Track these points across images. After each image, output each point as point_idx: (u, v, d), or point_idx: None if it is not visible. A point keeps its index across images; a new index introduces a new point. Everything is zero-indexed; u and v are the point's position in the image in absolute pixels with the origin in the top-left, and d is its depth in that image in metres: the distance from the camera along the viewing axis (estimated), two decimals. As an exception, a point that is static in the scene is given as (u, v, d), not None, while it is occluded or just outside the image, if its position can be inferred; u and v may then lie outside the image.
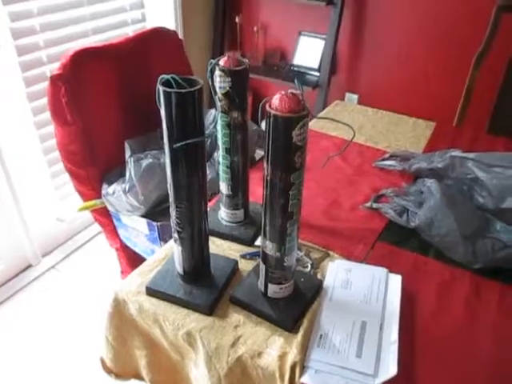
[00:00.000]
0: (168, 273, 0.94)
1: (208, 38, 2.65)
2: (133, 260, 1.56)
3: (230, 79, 0.91)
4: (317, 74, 2.46)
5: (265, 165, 0.76)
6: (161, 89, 0.73)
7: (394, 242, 1.08)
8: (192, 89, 0.73)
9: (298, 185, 0.76)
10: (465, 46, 2.09)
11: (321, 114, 1.83)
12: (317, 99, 2.42)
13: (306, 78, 2.48)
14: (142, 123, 1.43)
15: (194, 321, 0.86)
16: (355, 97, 2.53)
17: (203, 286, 0.91)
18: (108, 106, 1.39)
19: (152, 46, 1.49)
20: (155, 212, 1.37)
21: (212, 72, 0.91)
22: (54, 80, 1.24)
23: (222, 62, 0.91)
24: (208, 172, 1.39)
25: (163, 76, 0.74)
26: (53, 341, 1.65)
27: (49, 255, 2.03)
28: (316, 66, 2.47)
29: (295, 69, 2.54)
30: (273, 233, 0.81)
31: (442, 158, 1.24)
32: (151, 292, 0.92)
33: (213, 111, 1.54)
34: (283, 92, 0.70)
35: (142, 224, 1.38)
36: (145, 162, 1.31)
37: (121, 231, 1.50)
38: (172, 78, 0.74)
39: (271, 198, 0.78)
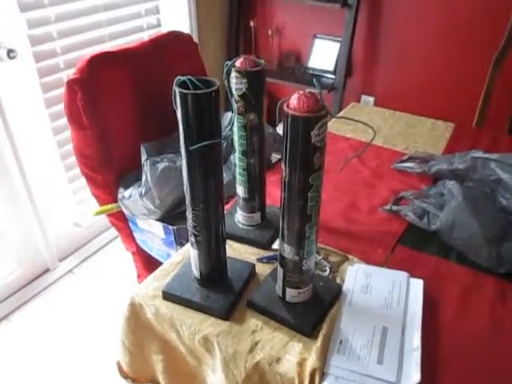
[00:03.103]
0: (184, 277, 0.93)
1: (223, 42, 2.65)
2: (149, 264, 1.55)
3: (246, 80, 0.90)
4: (332, 76, 2.44)
5: (282, 166, 0.74)
6: (177, 90, 0.72)
7: (415, 246, 1.06)
8: (208, 90, 0.72)
9: (317, 186, 0.74)
10: (483, 45, 2.04)
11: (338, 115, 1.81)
12: (332, 102, 2.40)
13: (322, 80, 2.46)
14: (157, 127, 1.43)
15: (210, 325, 0.85)
16: (371, 99, 2.50)
17: (220, 290, 0.90)
18: (124, 109, 1.39)
19: (167, 49, 1.49)
20: (171, 216, 1.36)
21: (228, 73, 0.90)
22: (71, 84, 1.25)
23: (238, 64, 0.90)
24: (224, 175, 1.38)
25: (179, 77, 0.73)
26: (70, 344, 1.65)
27: (66, 259, 2.04)
28: (331, 68, 2.45)
29: (310, 72, 2.52)
30: (291, 236, 0.79)
31: (463, 159, 1.21)
32: (167, 296, 0.91)
33: (229, 114, 1.53)
34: (301, 92, 0.68)
35: (158, 228, 1.37)
36: (161, 166, 1.30)
37: (137, 235, 1.50)
38: (188, 79, 0.73)
39: (289, 200, 0.76)
